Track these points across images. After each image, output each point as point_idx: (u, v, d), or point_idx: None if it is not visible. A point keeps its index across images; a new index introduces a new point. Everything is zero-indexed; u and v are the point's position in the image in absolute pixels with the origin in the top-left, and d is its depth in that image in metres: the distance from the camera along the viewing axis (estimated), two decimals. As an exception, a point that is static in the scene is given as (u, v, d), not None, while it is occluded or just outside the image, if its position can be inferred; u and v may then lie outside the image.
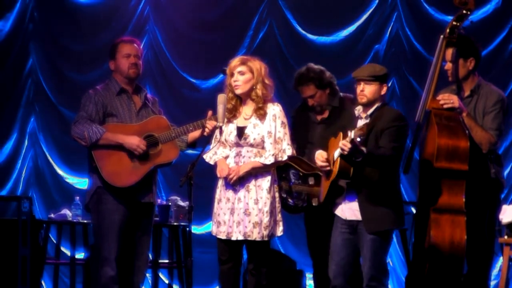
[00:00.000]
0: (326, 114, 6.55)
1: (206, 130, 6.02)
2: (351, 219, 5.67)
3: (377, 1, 9.24)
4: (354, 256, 5.69)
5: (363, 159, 5.46)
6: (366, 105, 5.67)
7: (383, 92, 5.68)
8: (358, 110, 5.72)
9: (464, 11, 6.12)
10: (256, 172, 5.92)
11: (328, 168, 5.67)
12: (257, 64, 5.97)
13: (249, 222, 5.88)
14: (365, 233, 5.60)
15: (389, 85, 9.18)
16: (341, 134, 5.59)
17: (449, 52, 6.11)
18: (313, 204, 6.31)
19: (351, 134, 5.38)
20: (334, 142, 5.68)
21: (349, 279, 5.71)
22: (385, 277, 5.68)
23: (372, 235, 5.58)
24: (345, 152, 5.41)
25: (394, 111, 5.73)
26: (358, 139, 5.35)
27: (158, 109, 6.36)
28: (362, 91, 5.64)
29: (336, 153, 5.58)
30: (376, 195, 5.59)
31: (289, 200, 6.51)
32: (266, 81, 5.97)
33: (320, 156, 5.71)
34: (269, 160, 5.88)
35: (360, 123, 5.67)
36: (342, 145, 5.41)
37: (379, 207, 5.59)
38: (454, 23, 6.11)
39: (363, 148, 5.42)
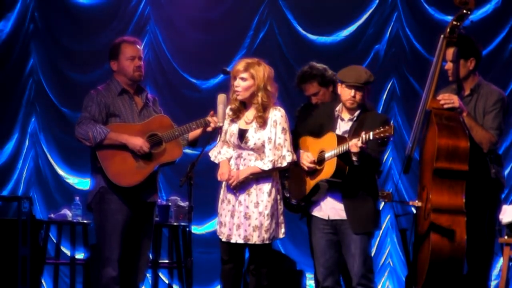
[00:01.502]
0: (329, 113, 6.57)
1: (211, 126, 6.03)
2: (334, 219, 5.71)
3: (377, 1, 9.24)
4: (339, 255, 5.74)
5: (363, 160, 5.51)
6: (354, 109, 5.73)
7: (366, 95, 5.75)
8: (338, 110, 5.76)
9: (464, 11, 6.12)
10: (256, 177, 5.92)
11: (315, 168, 5.74)
12: (260, 71, 5.91)
13: (249, 225, 5.88)
14: (351, 232, 5.66)
15: (389, 85, 9.23)
16: (333, 134, 5.64)
17: (450, 52, 6.11)
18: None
19: (369, 135, 5.43)
20: (316, 142, 5.75)
21: (338, 279, 5.75)
22: (373, 275, 5.77)
23: (359, 234, 5.64)
24: (355, 150, 5.48)
25: (380, 116, 5.84)
26: (379, 141, 5.46)
27: (159, 108, 6.37)
28: (353, 96, 5.67)
29: (331, 153, 5.62)
30: (362, 196, 5.67)
31: (292, 199, 6.52)
32: (269, 88, 5.92)
33: (306, 157, 5.76)
34: (267, 166, 5.86)
35: (342, 124, 5.75)
36: (353, 145, 5.47)
37: (364, 208, 5.67)
38: (454, 22, 6.11)
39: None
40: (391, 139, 5.52)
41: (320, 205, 5.77)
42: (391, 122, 5.79)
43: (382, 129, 5.44)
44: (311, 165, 5.75)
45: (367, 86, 5.70)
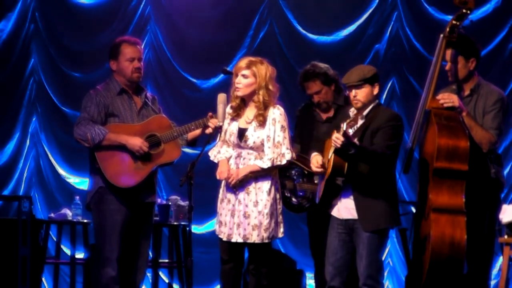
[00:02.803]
0: (331, 113, 6.57)
1: (209, 129, 6.04)
2: (348, 218, 5.68)
3: (377, 1, 9.23)
4: (350, 256, 5.70)
5: (355, 153, 5.47)
6: (361, 108, 5.70)
7: (375, 92, 5.70)
8: (352, 111, 5.74)
9: (464, 10, 6.12)
10: (255, 175, 5.92)
11: (323, 171, 5.70)
12: (262, 69, 5.93)
13: (248, 224, 5.88)
14: (361, 231, 5.62)
15: (389, 85, 9.22)
16: (335, 131, 5.62)
17: (449, 52, 6.11)
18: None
19: (343, 126, 5.40)
20: (329, 143, 5.72)
21: (346, 280, 5.72)
22: (381, 276, 5.71)
23: (369, 233, 5.60)
24: (338, 145, 5.42)
25: (389, 111, 5.78)
26: (350, 130, 5.37)
27: (157, 107, 6.36)
28: (355, 96, 5.67)
29: (330, 152, 5.60)
30: (371, 192, 5.61)
31: (293, 199, 6.51)
32: (270, 87, 5.93)
33: (315, 161, 5.74)
34: (266, 164, 5.87)
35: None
36: (335, 138, 5.43)
37: (375, 205, 5.61)
38: (454, 22, 6.11)
39: (356, 141, 5.44)
40: (354, 126, 5.44)
41: (337, 205, 5.75)
42: (400, 118, 5.75)
43: (350, 119, 5.41)
44: (319, 170, 5.74)
45: (369, 82, 5.67)
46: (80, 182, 9.46)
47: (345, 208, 5.70)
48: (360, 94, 5.66)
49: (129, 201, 6.13)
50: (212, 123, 6.03)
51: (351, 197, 5.67)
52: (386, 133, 5.61)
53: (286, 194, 6.48)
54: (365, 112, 5.69)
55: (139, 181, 6.10)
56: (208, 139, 5.90)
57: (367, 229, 5.61)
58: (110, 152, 6.08)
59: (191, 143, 6.30)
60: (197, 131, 6.17)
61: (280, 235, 6.02)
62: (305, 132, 6.60)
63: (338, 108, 6.53)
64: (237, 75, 5.97)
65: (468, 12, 6.11)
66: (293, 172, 6.54)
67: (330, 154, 5.61)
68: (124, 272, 6.17)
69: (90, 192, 6.20)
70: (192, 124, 6.12)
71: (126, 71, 6.21)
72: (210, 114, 6.05)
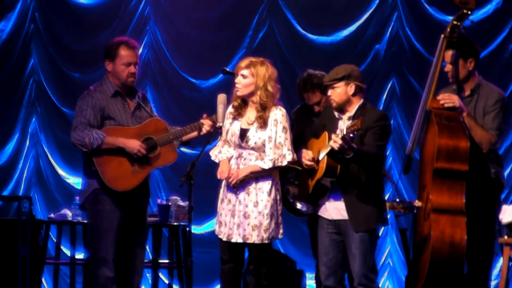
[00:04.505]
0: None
1: (203, 130, 6.04)
2: (337, 219, 5.69)
3: (377, 1, 9.23)
4: (342, 255, 5.72)
5: (353, 156, 5.47)
6: (339, 108, 5.72)
7: (351, 92, 5.69)
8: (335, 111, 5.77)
9: (465, 11, 6.12)
10: (256, 176, 5.92)
11: (314, 165, 5.70)
12: (262, 70, 5.94)
13: (248, 225, 5.88)
14: (352, 232, 5.63)
15: (389, 85, 9.21)
16: (325, 133, 5.63)
17: (449, 54, 6.11)
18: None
19: (343, 130, 5.41)
20: (316, 142, 5.74)
21: (340, 279, 5.74)
22: (375, 275, 5.71)
23: (360, 233, 5.62)
24: (336, 148, 5.42)
25: (378, 111, 5.80)
26: (351, 135, 5.38)
27: (149, 106, 6.35)
28: (330, 96, 5.71)
29: (323, 153, 5.61)
30: (362, 193, 5.63)
31: (297, 204, 6.50)
32: (269, 88, 5.94)
33: (306, 155, 5.74)
34: (267, 165, 5.88)
35: (341, 124, 5.72)
36: (333, 141, 5.43)
37: (365, 206, 5.63)
38: (455, 22, 6.11)
39: (353, 145, 5.45)
40: (359, 132, 5.45)
41: (325, 205, 5.76)
42: (388, 117, 5.78)
43: (351, 123, 5.42)
44: (309, 163, 5.73)
45: (346, 83, 5.67)
46: (79, 182, 9.44)
47: (334, 209, 5.71)
48: (334, 94, 5.71)
49: (124, 203, 6.13)
50: (207, 124, 6.04)
51: (341, 198, 5.68)
52: (376, 133, 5.63)
53: (290, 199, 6.48)
54: (351, 113, 5.71)
55: (136, 184, 6.10)
56: (208, 139, 5.90)
57: (359, 229, 5.62)
58: (108, 156, 6.07)
59: (185, 143, 6.30)
60: (193, 134, 6.17)
61: (280, 236, 6.03)
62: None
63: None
64: (237, 75, 5.99)
65: (469, 12, 6.11)
66: (295, 177, 6.52)
67: (322, 155, 5.62)
68: (121, 274, 6.17)
69: (84, 192, 6.19)
70: (188, 127, 6.13)
71: (121, 75, 6.18)
72: (205, 115, 6.06)
